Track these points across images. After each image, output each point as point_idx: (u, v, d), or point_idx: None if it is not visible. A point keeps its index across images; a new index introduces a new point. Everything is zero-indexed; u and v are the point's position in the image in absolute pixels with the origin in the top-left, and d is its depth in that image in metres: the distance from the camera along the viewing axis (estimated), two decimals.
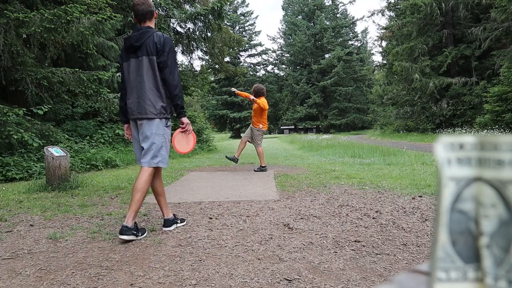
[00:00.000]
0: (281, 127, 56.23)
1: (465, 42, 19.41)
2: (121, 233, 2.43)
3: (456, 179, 0.28)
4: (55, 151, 4.67)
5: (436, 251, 0.28)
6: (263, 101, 6.20)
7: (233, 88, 6.89)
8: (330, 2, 47.44)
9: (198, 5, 13.88)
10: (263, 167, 6.25)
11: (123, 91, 2.71)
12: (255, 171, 6.25)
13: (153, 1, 12.47)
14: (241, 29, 44.81)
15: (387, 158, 8.06)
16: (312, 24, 45.69)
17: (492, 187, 0.27)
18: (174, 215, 2.90)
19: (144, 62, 2.52)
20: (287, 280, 1.84)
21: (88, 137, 8.33)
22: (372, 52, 51.01)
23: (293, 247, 2.33)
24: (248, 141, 6.52)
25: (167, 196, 4.07)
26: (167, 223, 2.77)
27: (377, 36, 35.42)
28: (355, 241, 2.44)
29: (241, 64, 42.96)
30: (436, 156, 0.28)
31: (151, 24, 2.62)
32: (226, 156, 6.82)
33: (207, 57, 19.19)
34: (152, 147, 2.59)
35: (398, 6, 23.91)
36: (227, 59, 32.93)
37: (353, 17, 48.50)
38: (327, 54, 45.14)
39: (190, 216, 3.19)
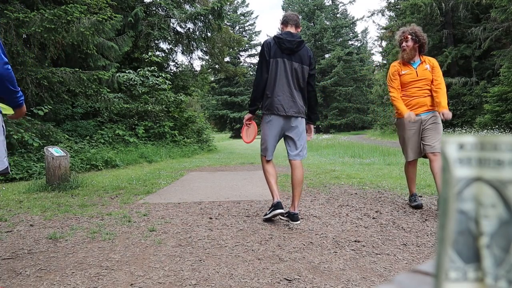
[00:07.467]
0: None
1: (465, 42, 19.38)
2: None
3: (456, 179, 0.28)
4: (55, 151, 4.67)
5: (443, 251, 0.28)
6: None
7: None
8: (330, 2, 47.41)
9: (198, 5, 13.88)
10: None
11: (263, 84, 2.95)
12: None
13: (153, 1, 12.44)
14: (241, 29, 44.77)
15: (387, 158, 8.06)
16: (312, 24, 45.66)
17: (492, 187, 0.27)
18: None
19: (297, 68, 2.93)
20: (287, 280, 1.84)
21: (88, 137, 8.33)
22: (372, 52, 50.89)
23: (293, 247, 2.33)
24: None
25: (166, 196, 4.08)
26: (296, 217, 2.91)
27: (377, 36, 35.48)
28: (355, 241, 2.44)
29: (241, 64, 42.90)
30: (447, 156, 0.28)
31: (296, 31, 3.05)
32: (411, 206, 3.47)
33: (207, 57, 19.18)
34: (305, 142, 3.06)
35: (398, 6, 23.86)
36: (227, 59, 32.94)
37: (353, 17, 48.42)
38: (327, 54, 45.12)
39: (190, 216, 3.19)
